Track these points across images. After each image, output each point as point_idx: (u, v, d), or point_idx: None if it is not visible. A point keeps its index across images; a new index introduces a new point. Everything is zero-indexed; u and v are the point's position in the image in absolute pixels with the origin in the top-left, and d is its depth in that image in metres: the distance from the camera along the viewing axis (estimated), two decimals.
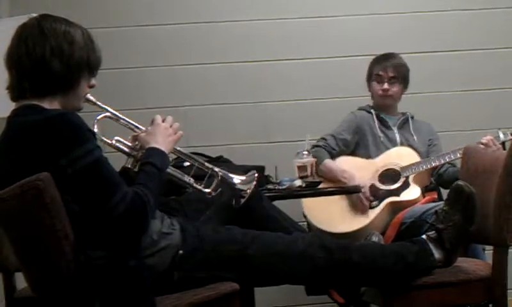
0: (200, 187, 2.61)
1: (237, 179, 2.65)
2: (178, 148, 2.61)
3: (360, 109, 3.99)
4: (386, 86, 3.88)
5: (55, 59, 2.23)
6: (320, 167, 3.65)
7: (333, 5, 4.45)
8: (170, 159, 2.51)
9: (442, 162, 3.67)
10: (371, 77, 3.95)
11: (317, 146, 3.70)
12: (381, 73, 3.89)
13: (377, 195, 3.64)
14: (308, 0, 4.44)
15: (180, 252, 2.34)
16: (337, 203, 3.60)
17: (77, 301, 2.12)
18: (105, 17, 4.28)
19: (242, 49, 4.39)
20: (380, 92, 3.90)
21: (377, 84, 3.90)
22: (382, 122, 3.90)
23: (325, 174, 3.69)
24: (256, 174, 2.68)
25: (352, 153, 3.87)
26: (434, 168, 3.76)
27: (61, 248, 2.10)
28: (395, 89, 3.89)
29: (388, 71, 3.88)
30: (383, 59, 3.92)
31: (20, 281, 2.66)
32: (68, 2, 4.22)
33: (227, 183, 2.64)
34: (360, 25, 4.44)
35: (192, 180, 2.61)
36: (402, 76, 3.90)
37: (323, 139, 3.83)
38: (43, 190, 2.05)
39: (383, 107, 3.94)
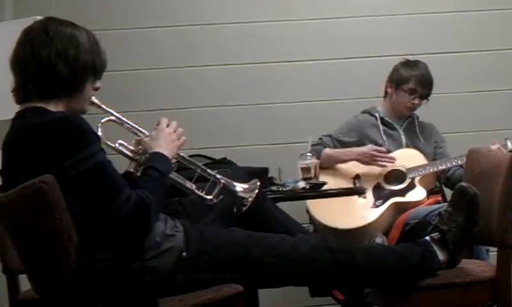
0: (201, 194, 2.61)
1: (239, 187, 2.66)
2: (182, 154, 2.61)
3: (364, 112, 3.98)
4: (416, 101, 3.85)
5: (60, 62, 2.24)
6: (321, 159, 3.61)
7: (337, 6, 4.44)
8: (173, 164, 2.51)
9: (449, 166, 3.68)
10: (401, 84, 3.85)
11: (313, 145, 3.68)
12: (418, 89, 3.83)
13: (382, 194, 3.64)
14: (312, 2, 4.43)
15: (184, 254, 2.34)
16: (342, 199, 3.60)
17: (80, 303, 2.13)
18: (108, 19, 4.28)
19: (245, 51, 4.39)
20: (409, 105, 3.86)
21: (409, 96, 3.84)
22: (387, 125, 3.90)
23: (327, 163, 3.68)
24: (258, 183, 2.68)
25: None
26: (441, 172, 3.76)
27: (64, 250, 2.10)
28: (421, 103, 3.88)
29: (425, 88, 3.83)
30: (418, 71, 3.84)
31: (24, 283, 2.67)
32: (71, 5, 4.23)
33: (229, 191, 2.64)
34: (365, 26, 4.44)
35: (194, 186, 2.62)
36: (430, 92, 3.87)
37: (319, 138, 3.84)
38: (47, 192, 2.06)
39: (399, 115, 3.93)
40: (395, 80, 3.91)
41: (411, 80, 3.83)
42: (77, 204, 2.14)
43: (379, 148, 3.70)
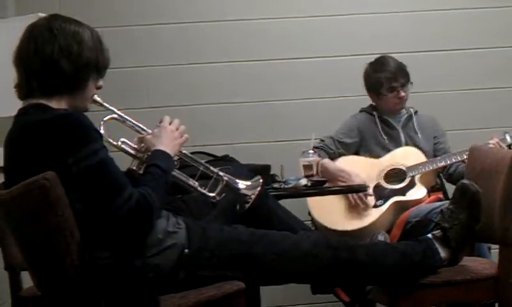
0: (204, 191, 2.61)
1: (242, 184, 2.66)
2: (184, 151, 2.61)
3: (362, 110, 3.98)
4: (402, 93, 3.83)
5: (63, 59, 2.24)
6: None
7: (341, 4, 4.44)
8: (175, 162, 2.51)
9: (449, 162, 3.67)
10: (379, 89, 3.85)
11: (315, 147, 3.67)
12: (394, 84, 3.81)
13: (382, 194, 3.64)
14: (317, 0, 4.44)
15: (186, 251, 2.34)
16: (343, 201, 3.60)
17: (82, 300, 2.13)
18: (111, 16, 4.28)
19: (248, 48, 4.39)
20: (397, 101, 3.84)
21: (391, 93, 3.83)
22: (385, 123, 3.89)
23: (323, 175, 3.67)
24: (261, 180, 2.68)
25: (356, 155, 3.86)
26: (441, 168, 3.75)
27: (66, 247, 2.10)
28: (407, 91, 3.86)
29: (399, 79, 3.82)
30: (386, 69, 3.83)
31: (26, 280, 2.67)
32: (74, 2, 4.23)
33: (232, 188, 2.65)
34: (367, 24, 4.44)
35: (196, 184, 2.62)
36: (408, 76, 3.86)
37: (321, 140, 3.82)
38: (49, 189, 2.06)
39: (395, 112, 3.92)
40: (373, 89, 3.90)
41: (385, 82, 3.82)
42: (79, 201, 2.15)
43: (363, 199, 3.61)
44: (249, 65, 4.39)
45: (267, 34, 4.40)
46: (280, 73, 4.39)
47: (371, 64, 3.92)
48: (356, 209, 3.60)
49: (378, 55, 3.95)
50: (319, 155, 3.60)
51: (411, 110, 3.94)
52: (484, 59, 4.46)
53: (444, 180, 3.90)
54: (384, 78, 3.82)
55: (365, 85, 3.94)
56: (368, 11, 4.45)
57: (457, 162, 3.65)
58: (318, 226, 3.63)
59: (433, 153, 3.85)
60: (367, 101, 4.02)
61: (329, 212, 3.58)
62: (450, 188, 3.74)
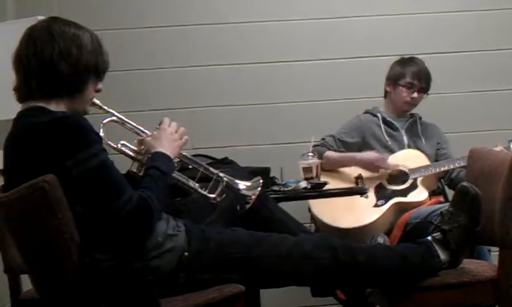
0: (204, 193, 2.61)
1: (242, 185, 2.66)
2: (184, 153, 2.61)
3: (366, 112, 3.98)
4: (415, 94, 3.84)
5: (63, 62, 2.24)
6: (322, 161, 3.57)
7: (341, 6, 4.43)
8: (175, 164, 2.51)
9: (452, 167, 3.68)
10: (398, 80, 3.87)
11: (315, 145, 3.68)
12: (415, 82, 3.83)
13: (384, 194, 3.64)
14: (316, 2, 4.43)
15: (186, 254, 2.34)
16: (344, 198, 3.59)
17: (82, 303, 2.13)
18: (111, 19, 4.28)
19: (248, 51, 4.39)
20: (408, 99, 3.85)
21: (407, 90, 3.84)
22: (389, 125, 3.89)
23: (328, 166, 3.68)
24: (261, 181, 2.68)
25: None
26: (444, 173, 3.76)
27: (66, 250, 2.10)
28: (420, 97, 3.88)
29: (422, 81, 3.84)
30: (414, 66, 3.86)
31: (26, 283, 2.67)
32: (74, 4, 4.23)
33: (232, 189, 2.65)
34: (368, 26, 4.43)
35: (197, 185, 2.62)
36: (429, 86, 3.88)
37: (322, 139, 3.83)
38: (49, 191, 2.06)
39: (400, 112, 3.93)
40: (392, 78, 3.92)
41: (408, 75, 3.84)
42: (79, 203, 2.15)
43: (382, 157, 3.70)
44: (249, 67, 4.39)
45: (268, 37, 4.39)
46: (280, 75, 4.39)
47: (402, 58, 3.96)
48: (357, 207, 3.59)
49: (379, 58, 3.96)
50: (319, 151, 3.61)
51: (416, 115, 3.96)
52: (489, 61, 4.45)
53: (445, 185, 3.90)
54: (410, 72, 3.85)
55: (388, 74, 3.96)
56: (370, 14, 4.44)
57: (460, 167, 3.65)
58: (318, 224, 3.64)
59: (435, 158, 3.85)
60: (367, 104, 4.02)
61: (330, 209, 3.58)
62: (451, 193, 3.74)
